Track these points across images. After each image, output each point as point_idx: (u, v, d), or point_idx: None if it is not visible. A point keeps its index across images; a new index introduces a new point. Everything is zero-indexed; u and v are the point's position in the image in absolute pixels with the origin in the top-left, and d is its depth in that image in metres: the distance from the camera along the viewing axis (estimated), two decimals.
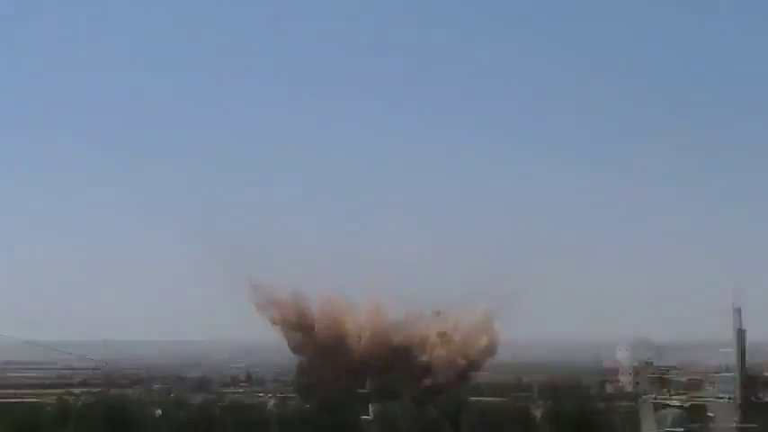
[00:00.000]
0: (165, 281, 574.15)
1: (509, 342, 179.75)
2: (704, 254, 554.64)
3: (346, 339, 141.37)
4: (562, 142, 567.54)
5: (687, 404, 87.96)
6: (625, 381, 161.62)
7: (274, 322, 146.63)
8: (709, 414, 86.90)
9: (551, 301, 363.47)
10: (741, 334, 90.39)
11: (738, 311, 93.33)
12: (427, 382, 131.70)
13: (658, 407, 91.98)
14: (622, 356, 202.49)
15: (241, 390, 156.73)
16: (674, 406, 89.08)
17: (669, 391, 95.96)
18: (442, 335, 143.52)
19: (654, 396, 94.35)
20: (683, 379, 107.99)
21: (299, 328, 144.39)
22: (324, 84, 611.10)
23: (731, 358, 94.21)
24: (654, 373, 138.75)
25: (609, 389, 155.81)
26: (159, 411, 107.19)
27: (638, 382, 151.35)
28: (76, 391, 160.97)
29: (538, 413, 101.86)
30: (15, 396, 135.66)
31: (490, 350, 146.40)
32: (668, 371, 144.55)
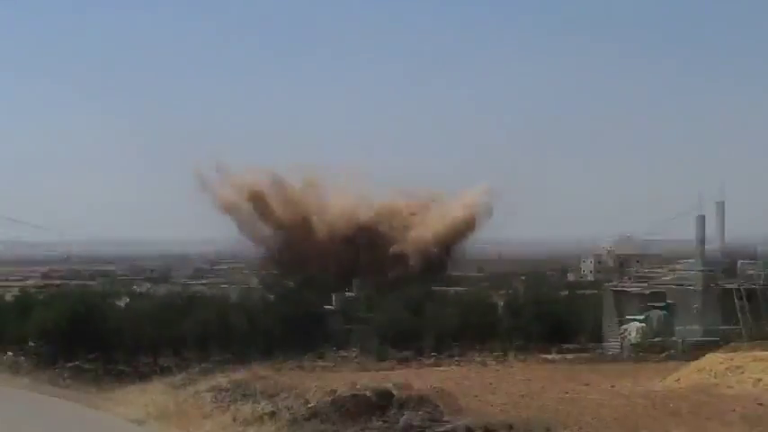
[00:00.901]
0: (118, 177, 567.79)
1: (497, 240, 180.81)
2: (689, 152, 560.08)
3: (312, 227, 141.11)
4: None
5: (647, 291, 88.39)
6: (586, 268, 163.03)
7: (228, 209, 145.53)
8: (669, 301, 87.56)
9: (541, 199, 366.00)
10: (701, 220, 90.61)
11: (722, 205, 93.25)
12: (397, 270, 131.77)
13: (619, 294, 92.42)
14: (605, 255, 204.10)
15: (204, 281, 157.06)
16: (634, 292, 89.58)
17: (629, 278, 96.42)
18: (412, 215, 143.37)
19: (615, 284, 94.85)
20: (646, 269, 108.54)
21: (260, 215, 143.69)
22: None
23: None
24: (617, 259, 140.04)
25: (570, 277, 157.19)
26: (123, 303, 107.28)
27: (599, 271, 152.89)
28: (39, 282, 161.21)
29: (500, 302, 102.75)
30: None
31: (470, 225, 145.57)
32: (630, 258, 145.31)
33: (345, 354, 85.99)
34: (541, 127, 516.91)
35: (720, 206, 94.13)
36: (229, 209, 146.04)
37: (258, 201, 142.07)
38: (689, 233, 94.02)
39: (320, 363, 78.96)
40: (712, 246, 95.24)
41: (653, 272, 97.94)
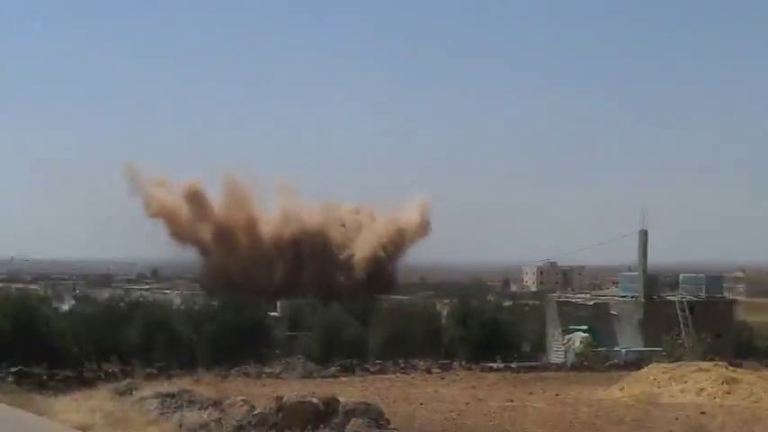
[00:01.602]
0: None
1: (417, 265, 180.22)
2: (611, 178, 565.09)
3: (254, 234, 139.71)
4: None
5: (591, 302, 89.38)
6: (530, 280, 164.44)
7: (156, 215, 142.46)
8: (612, 312, 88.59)
9: (462, 222, 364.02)
10: (644, 234, 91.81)
11: (645, 234, 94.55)
12: (341, 278, 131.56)
13: (562, 305, 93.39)
14: (529, 280, 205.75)
15: (146, 286, 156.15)
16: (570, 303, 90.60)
17: (573, 289, 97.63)
18: (341, 226, 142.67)
19: (558, 294, 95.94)
20: (587, 281, 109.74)
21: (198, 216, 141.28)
22: None
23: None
24: (558, 273, 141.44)
25: (513, 287, 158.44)
26: (66, 307, 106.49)
27: (541, 282, 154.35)
28: None
29: (444, 311, 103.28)
30: None
31: (422, 228, 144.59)
32: (572, 271, 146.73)
33: (291, 361, 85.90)
34: (479, 150, 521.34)
35: (643, 234, 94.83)
36: (163, 212, 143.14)
37: (196, 201, 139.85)
38: (615, 258, 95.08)
39: (266, 370, 78.78)
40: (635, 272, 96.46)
41: (594, 282, 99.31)
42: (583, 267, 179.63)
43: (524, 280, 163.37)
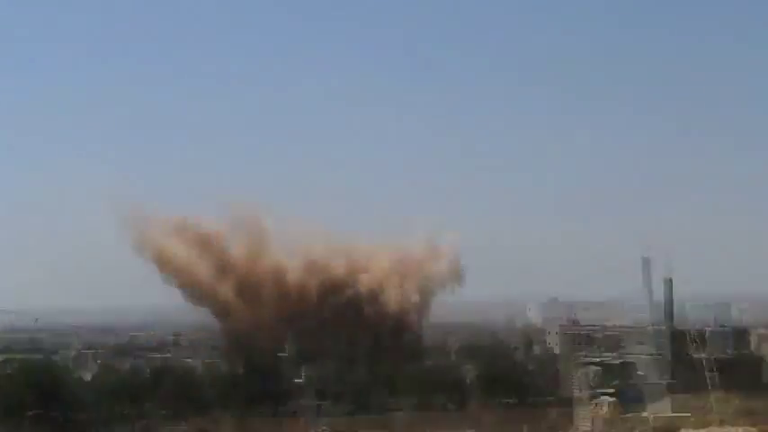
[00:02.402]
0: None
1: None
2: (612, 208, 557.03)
3: (280, 287, 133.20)
4: None
5: (618, 361, 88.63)
6: (552, 340, 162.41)
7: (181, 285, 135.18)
8: (639, 372, 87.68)
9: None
10: (669, 284, 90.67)
11: (647, 262, 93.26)
12: (366, 339, 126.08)
13: (583, 365, 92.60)
14: (533, 316, 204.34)
15: (168, 354, 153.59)
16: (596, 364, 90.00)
17: (600, 348, 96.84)
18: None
19: (584, 354, 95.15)
20: (600, 335, 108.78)
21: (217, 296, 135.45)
22: None
23: (644, 312, 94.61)
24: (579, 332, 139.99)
25: (536, 350, 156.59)
26: (89, 376, 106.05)
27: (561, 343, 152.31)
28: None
29: (469, 375, 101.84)
30: None
31: (455, 275, 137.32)
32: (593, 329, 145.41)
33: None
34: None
35: (646, 262, 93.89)
36: (178, 271, 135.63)
37: (213, 251, 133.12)
38: (613, 290, 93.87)
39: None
40: (641, 302, 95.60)
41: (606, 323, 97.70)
42: (588, 303, 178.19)
43: (547, 341, 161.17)
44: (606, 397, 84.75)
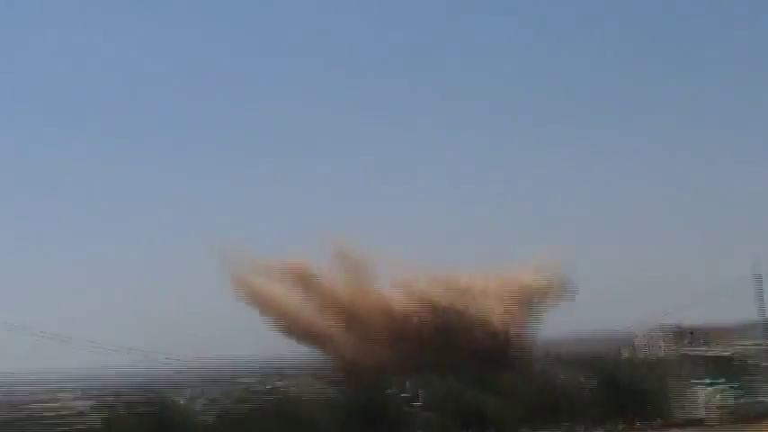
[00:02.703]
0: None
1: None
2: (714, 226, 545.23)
3: (385, 315, 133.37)
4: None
5: (728, 352, 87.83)
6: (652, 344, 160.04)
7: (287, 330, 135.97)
8: (749, 361, 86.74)
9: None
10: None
11: (759, 278, 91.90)
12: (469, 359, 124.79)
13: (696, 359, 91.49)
14: (642, 345, 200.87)
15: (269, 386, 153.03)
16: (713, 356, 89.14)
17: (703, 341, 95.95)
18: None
19: (692, 347, 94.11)
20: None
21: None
22: None
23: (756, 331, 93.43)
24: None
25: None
26: (200, 403, 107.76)
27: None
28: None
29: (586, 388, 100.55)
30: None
31: (558, 292, 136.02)
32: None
33: None
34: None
35: (758, 279, 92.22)
36: (276, 311, 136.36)
37: (309, 287, 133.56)
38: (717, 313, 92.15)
39: None
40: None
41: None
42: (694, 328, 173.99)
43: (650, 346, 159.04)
44: (719, 385, 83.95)
